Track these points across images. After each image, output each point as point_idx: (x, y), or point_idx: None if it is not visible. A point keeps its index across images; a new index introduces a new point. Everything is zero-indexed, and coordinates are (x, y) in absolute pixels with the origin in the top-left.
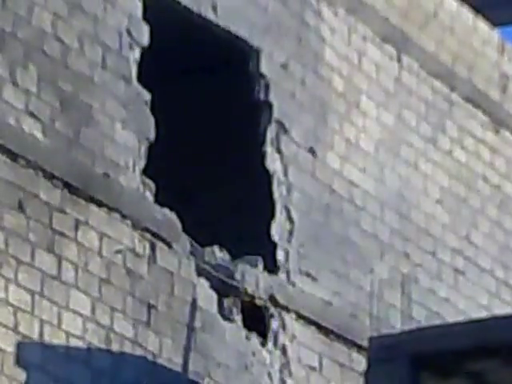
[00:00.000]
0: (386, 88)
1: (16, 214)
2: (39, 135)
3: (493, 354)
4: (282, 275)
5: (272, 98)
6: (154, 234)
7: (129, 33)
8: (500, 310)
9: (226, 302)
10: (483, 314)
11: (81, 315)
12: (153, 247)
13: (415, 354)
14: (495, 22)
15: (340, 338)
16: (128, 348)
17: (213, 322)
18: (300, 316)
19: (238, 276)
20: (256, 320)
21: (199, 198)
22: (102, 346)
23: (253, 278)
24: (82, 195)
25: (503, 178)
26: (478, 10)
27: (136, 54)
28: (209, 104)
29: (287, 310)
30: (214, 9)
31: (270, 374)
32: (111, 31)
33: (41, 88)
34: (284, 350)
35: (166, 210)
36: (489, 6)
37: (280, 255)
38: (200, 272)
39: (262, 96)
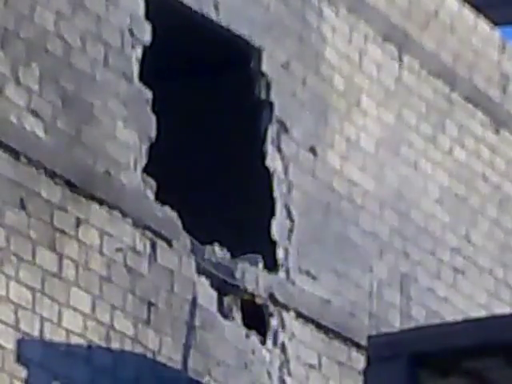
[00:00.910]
0: (387, 87)
1: (17, 211)
2: (41, 133)
3: (492, 353)
4: (281, 274)
5: (273, 97)
6: (154, 232)
7: (131, 32)
8: (499, 310)
9: (226, 300)
10: (482, 314)
11: (81, 313)
12: (153, 245)
13: (414, 352)
14: (496, 22)
15: (339, 336)
16: (128, 346)
17: (213, 321)
18: (299, 314)
19: (237, 274)
20: (256, 318)
21: (200, 197)
22: (103, 343)
23: (253, 277)
24: (83, 193)
25: (503, 177)
26: (478, 9)
27: (138, 52)
28: (210, 103)
29: (287, 308)
30: (216, 8)
31: (269, 373)
32: (113, 30)
33: (43, 86)
34: (283, 349)
35: (167, 209)
36: (490, 5)
37: (280, 254)
38: (200, 270)
39: (262, 95)
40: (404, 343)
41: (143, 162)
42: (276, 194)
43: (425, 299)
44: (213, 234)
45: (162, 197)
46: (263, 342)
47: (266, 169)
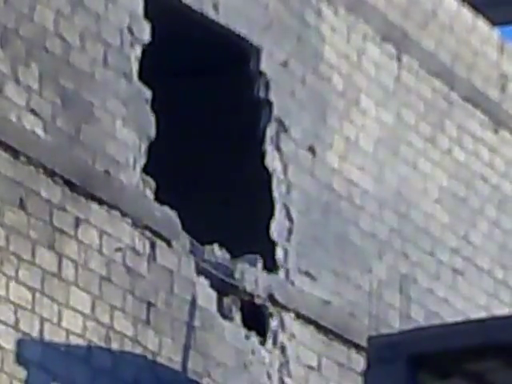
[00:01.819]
0: (386, 87)
1: (17, 211)
2: (40, 132)
3: (492, 354)
4: (281, 274)
5: (272, 96)
6: (153, 232)
7: (130, 30)
8: (498, 311)
9: (226, 300)
10: (482, 315)
11: (81, 313)
12: (152, 245)
13: (414, 354)
14: (495, 22)
15: (339, 337)
16: (128, 346)
17: (212, 321)
18: (299, 315)
19: (237, 275)
20: (255, 319)
21: (199, 197)
22: (102, 344)
23: (252, 277)
24: (82, 193)
25: (502, 177)
26: (477, 9)
27: (137, 51)
28: (209, 102)
29: (286, 309)
30: (215, 7)
31: (269, 373)
32: (112, 29)
33: (42, 85)
34: (283, 350)
35: (166, 208)
36: (488, 5)
37: (279, 254)
38: (199, 271)
39: (262, 94)
40: (404, 344)
41: (142, 161)
42: (275, 193)
43: (424, 300)
44: (212, 235)
45: (161, 196)
46: (263, 343)
47: (266, 168)
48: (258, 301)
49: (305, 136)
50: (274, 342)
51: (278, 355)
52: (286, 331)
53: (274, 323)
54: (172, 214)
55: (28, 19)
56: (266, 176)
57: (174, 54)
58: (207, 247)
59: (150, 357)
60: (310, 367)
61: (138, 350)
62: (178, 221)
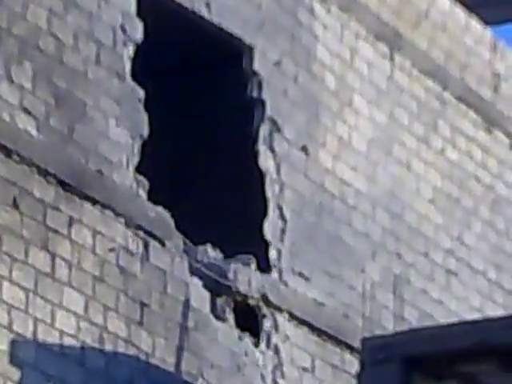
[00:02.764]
0: (379, 86)
1: (10, 210)
2: (33, 131)
3: (486, 356)
4: (274, 275)
5: (265, 95)
6: (147, 232)
7: (123, 29)
8: (492, 312)
9: (219, 301)
10: (475, 316)
11: (74, 313)
12: (146, 245)
13: (408, 355)
14: (488, 21)
15: (333, 338)
16: (121, 347)
17: (205, 322)
18: (293, 316)
19: (230, 275)
20: (249, 320)
21: (192, 196)
22: (96, 345)
23: (245, 278)
24: (75, 192)
25: (495, 178)
26: (470, 8)
27: (130, 50)
28: (202, 101)
29: (280, 310)
30: (208, 6)
31: (262, 375)
32: (105, 28)
33: (35, 84)
34: (277, 351)
35: (159, 208)
36: (481, 4)
37: (272, 254)
38: (193, 271)
39: (254, 93)
40: (397, 346)
41: (135, 160)
42: (268, 193)
43: (418, 301)
44: (205, 235)
45: (154, 196)
46: (256, 344)
47: (259, 168)
48: (251, 302)
49: (298, 136)
50: (268, 344)
51: (271, 356)
52: (280, 332)
53: (267, 324)
54: (165, 214)
55: (21, 18)
56: (259, 176)
57: (167, 52)
58: (200, 247)
59: (143, 358)
60: (304, 369)
61: (132, 351)
62: (171, 221)
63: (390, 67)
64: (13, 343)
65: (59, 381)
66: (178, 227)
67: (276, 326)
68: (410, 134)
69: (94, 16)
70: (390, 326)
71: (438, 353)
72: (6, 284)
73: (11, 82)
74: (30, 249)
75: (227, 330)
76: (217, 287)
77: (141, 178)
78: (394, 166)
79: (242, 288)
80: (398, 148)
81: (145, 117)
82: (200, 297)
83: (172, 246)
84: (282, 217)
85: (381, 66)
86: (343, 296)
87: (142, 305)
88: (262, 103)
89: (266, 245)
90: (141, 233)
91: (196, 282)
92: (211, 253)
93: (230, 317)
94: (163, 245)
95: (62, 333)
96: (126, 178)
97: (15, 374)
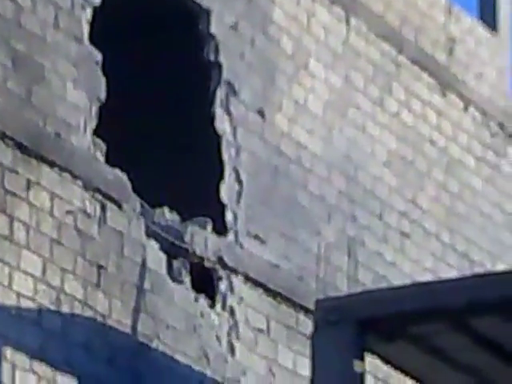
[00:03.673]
0: (334, 50)
1: None
2: None
3: (438, 317)
4: (230, 237)
5: (221, 58)
6: (104, 195)
7: None
8: (445, 274)
9: (175, 263)
10: (429, 278)
11: (32, 276)
12: (103, 208)
13: (361, 317)
14: None
15: (287, 300)
16: (78, 309)
17: (162, 284)
18: (248, 278)
19: (187, 238)
20: (204, 282)
21: (149, 159)
22: (53, 307)
23: (202, 240)
24: (33, 155)
25: (450, 140)
26: None
27: (88, 13)
28: (159, 64)
29: (235, 272)
30: None
31: (218, 336)
32: None
33: None
34: (232, 312)
35: (117, 171)
36: None
37: (229, 217)
38: (149, 233)
39: (211, 57)
40: (351, 308)
41: (93, 123)
42: (224, 156)
43: (372, 263)
44: (162, 197)
45: (111, 159)
46: (212, 306)
47: (215, 131)
48: (207, 264)
49: (254, 99)
50: (223, 305)
51: (227, 318)
52: (235, 294)
53: (223, 286)
54: (122, 177)
55: None
56: (216, 139)
57: (124, 15)
58: (157, 210)
59: (100, 320)
60: (259, 330)
61: (88, 313)
62: (128, 183)
63: (345, 31)
64: None
65: (16, 343)
66: (135, 190)
67: (231, 288)
68: (366, 97)
69: None
70: (344, 288)
71: (391, 314)
72: None
73: None
74: None
75: (183, 292)
76: (173, 249)
77: (98, 140)
78: (349, 129)
79: (199, 250)
80: (354, 111)
81: (102, 80)
82: (156, 259)
83: (129, 208)
84: (238, 180)
85: (337, 29)
86: (298, 258)
87: (99, 267)
88: (219, 66)
89: (223, 207)
90: (98, 195)
91: (153, 245)
92: (168, 215)
93: (187, 279)
94: (120, 207)
95: (19, 295)
96: (84, 141)
97: None
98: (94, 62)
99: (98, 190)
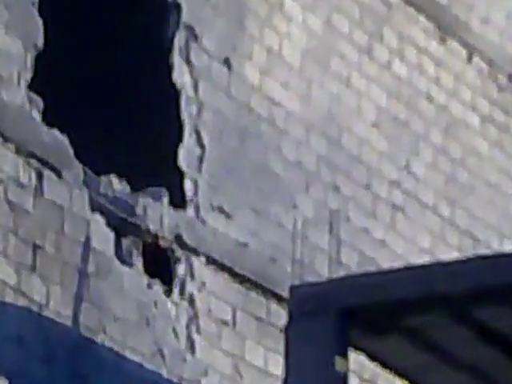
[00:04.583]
0: None
1: None
2: None
3: (436, 306)
4: (190, 211)
5: None
6: (40, 161)
7: None
8: (444, 255)
9: (125, 242)
10: (424, 260)
11: None
12: (39, 176)
13: (344, 306)
14: None
15: (257, 286)
16: (9, 297)
17: (109, 267)
18: (211, 260)
19: (139, 211)
20: (159, 265)
21: (95, 119)
22: None
23: (156, 215)
24: None
25: (450, 96)
26: None
27: None
28: (107, 5)
29: (196, 252)
30: None
31: (175, 329)
32: None
33: None
34: (192, 301)
35: (56, 132)
36: None
37: (188, 187)
38: (94, 206)
39: None
40: (332, 295)
41: (29, 75)
42: (184, 115)
43: (358, 242)
44: (110, 164)
45: (50, 118)
46: (168, 293)
47: (173, 85)
48: (162, 243)
49: (219, 46)
50: (182, 292)
51: (185, 308)
52: (196, 279)
53: (181, 270)
54: (63, 139)
55: None
56: (174, 94)
57: None
58: (103, 178)
59: (35, 309)
60: (224, 322)
61: (22, 302)
62: (69, 147)
63: None
64: None
65: None
66: (77, 155)
67: (191, 272)
68: (351, 45)
69: None
70: (324, 272)
71: (380, 303)
72: None
73: None
74: None
75: (134, 277)
76: (123, 226)
77: (34, 96)
78: (331, 82)
79: (153, 227)
80: (337, 61)
81: (39, 24)
82: (103, 237)
83: (70, 177)
84: (200, 142)
85: None
86: (270, 236)
87: (35, 247)
88: (178, 8)
89: (181, 176)
90: (33, 161)
91: (98, 220)
92: (116, 185)
93: (138, 261)
94: (60, 176)
95: None
96: (17, 96)
97: None
98: (28, 3)
99: (34, 155)
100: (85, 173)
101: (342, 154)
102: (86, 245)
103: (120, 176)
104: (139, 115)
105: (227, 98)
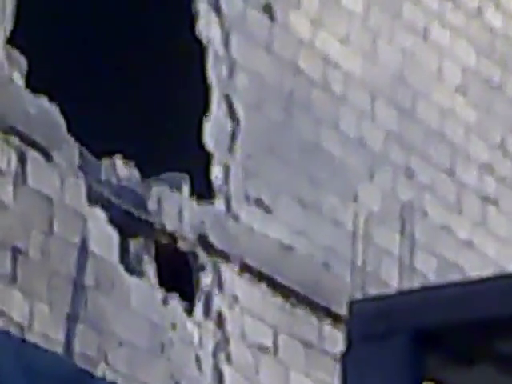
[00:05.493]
0: None
1: None
2: None
3: None
4: (218, 204)
5: None
6: (23, 138)
7: None
8: None
9: (133, 245)
10: None
11: None
12: (22, 159)
13: (419, 327)
14: None
15: (305, 302)
16: None
17: (112, 277)
18: (245, 268)
19: (151, 205)
20: (178, 274)
21: (94, 85)
22: None
23: (174, 209)
24: None
25: None
26: None
27: None
28: None
29: (226, 258)
30: None
31: (198, 358)
32: None
33: None
34: (220, 322)
35: (43, 101)
36: None
37: (216, 173)
38: (93, 198)
39: None
40: (404, 312)
41: (8, 28)
42: (211, 77)
43: (437, 243)
44: (113, 143)
45: (35, 83)
46: (189, 312)
47: (197, 39)
48: (182, 245)
49: None
50: (207, 310)
51: (212, 330)
52: (226, 293)
53: (206, 280)
54: (52, 110)
55: None
56: (198, 50)
57: None
58: (105, 161)
59: (14, 332)
60: (262, 348)
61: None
62: (61, 120)
63: None
64: None
65: None
66: (71, 131)
67: (220, 284)
68: None
69: None
70: (393, 283)
71: (466, 323)
72: None
73: None
74: None
75: (145, 290)
76: (130, 223)
77: (16, 53)
78: (403, 36)
79: (169, 224)
80: (411, 8)
81: None
82: (104, 238)
83: (62, 159)
84: (233, 114)
85: None
86: (323, 236)
87: (15, 250)
88: None
89: (207, 158)
90: (14, 139)
91: (98, 215)
92: (122, 170)
93: (150, 269)
94: (48, 158)
95: None
96: None
97: None
98: None
99: (15, 131)
100: (81, 154)
101: (417, 128)
102: (82, 248)
103: (127, 158)
104: (152, 80)
105: (268, 55)
